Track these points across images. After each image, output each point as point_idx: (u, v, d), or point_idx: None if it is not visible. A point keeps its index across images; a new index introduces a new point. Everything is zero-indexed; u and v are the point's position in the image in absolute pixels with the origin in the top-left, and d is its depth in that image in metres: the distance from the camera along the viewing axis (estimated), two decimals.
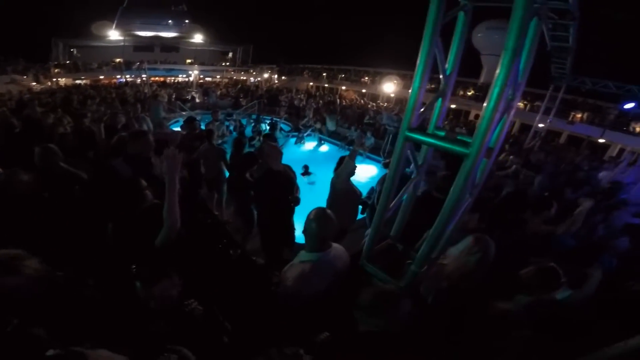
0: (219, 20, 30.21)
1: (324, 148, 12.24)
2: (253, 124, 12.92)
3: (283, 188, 3.39)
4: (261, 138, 9.76)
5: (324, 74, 28.44)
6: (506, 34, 1.26)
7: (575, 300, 2.17)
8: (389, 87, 18.73)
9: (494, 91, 1.32)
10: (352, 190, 3.72)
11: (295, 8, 32.00)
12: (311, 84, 28.77)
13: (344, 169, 3.49)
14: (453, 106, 19.72)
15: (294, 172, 3.73)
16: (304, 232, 1.97)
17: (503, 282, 1.97)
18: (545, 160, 7.01)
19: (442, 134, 1.77)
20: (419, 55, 1.55)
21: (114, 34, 27.43)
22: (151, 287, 1.50)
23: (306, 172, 8.41)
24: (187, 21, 30.67)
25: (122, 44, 27.15)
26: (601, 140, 14.01)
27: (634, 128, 13.46)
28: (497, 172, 5.30)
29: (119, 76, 24.47)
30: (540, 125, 13.97)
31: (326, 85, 27.94)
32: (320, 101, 18.64)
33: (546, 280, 1.79)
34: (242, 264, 2.80)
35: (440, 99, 1.88)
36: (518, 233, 2.88)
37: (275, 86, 26.56)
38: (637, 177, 5.28)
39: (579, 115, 15.10)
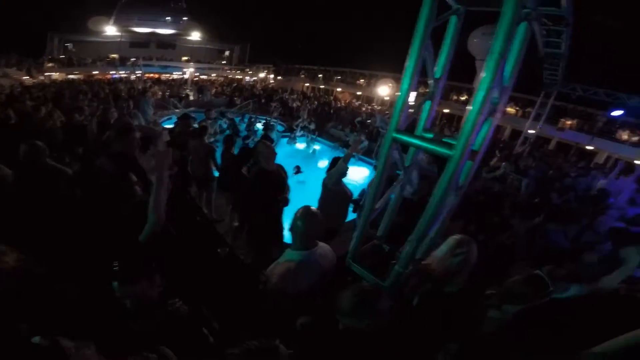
0: (217, 18, 29.98)
1: (316, 148, 12.22)
2: (247, 123, 12.87)
3: (275, 188, 3.39)
4: (255, 138, 9.71)
5: (320, 75, 28.47)
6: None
7: (589, 294, 2.14)
8: (384, 90, 18.80)
9: (479, 94, 1.34)
10: (344, 190, 3.73)
11: (293, 8, 31.91)
12: (307, 84, 28.77)
13: (337, 170, 3.51)
14: (446, 110, 19.88)
15: (285, 172, 3.73)
16: (291, 230, 1.97)
17: (489, 285, 1.98)
18: (532, 166, 7.14)
19: (430, 136, 1.79)
20: (408, 57, 1.57)
21: (110, 30, 27.11)
22: (128, 288, 1.47)
23: (298, 172, 8.43)
24: (185, 18, 30.46)
25: (119, 39, 26.90)
26: (589, 147, 14.25)
27: (621, 136, 13.72)
28: (485, 175, 5.37)
29: (113, 72, 24.21)
30: (530, 131, 14.17)
31: (322, 86, 27.97)
32: (315, 102, 18.65)
33: (534, 290, 1.76)
34: (230, 263, 2.79)
35: (428, 102, 1.90)
36: (504, 236, 2.92)
37: (270, 86, 26.52)
38: (624, 185, 5.41)
39: (568, 122, 15.34)
